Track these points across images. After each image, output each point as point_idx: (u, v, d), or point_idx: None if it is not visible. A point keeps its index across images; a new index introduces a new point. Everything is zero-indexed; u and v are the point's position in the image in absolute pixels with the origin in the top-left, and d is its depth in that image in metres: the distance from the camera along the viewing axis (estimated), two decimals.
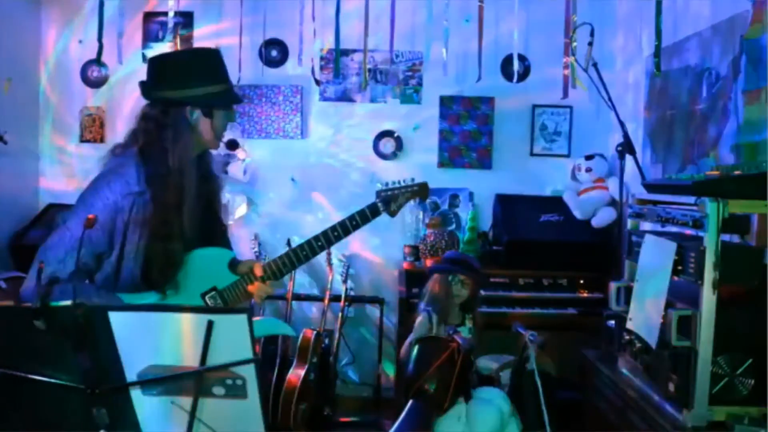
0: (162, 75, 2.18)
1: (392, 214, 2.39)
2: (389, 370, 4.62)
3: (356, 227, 2.29)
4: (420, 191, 2.41)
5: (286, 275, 2.29)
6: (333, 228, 2.27)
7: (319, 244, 2.26)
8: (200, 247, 2.20)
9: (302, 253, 2.25)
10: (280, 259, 2.25)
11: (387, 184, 2.39)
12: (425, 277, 3.62)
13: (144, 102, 2.27)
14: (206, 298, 2.19)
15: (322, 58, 4.79)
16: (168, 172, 2.10)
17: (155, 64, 2.22)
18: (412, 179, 2.42)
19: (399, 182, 2.39)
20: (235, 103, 2.27)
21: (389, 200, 2.36)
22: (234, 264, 2.27)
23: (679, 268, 2.41)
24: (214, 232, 2.30)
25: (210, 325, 1.51)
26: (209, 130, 2.19)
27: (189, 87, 2.13)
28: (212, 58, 2.21)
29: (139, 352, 1.55)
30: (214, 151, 2.39)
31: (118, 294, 2.10)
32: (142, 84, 2.23)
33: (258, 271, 2.22)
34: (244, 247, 4.54)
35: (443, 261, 3.58)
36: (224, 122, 2.23)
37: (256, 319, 2.17)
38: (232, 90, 2.25)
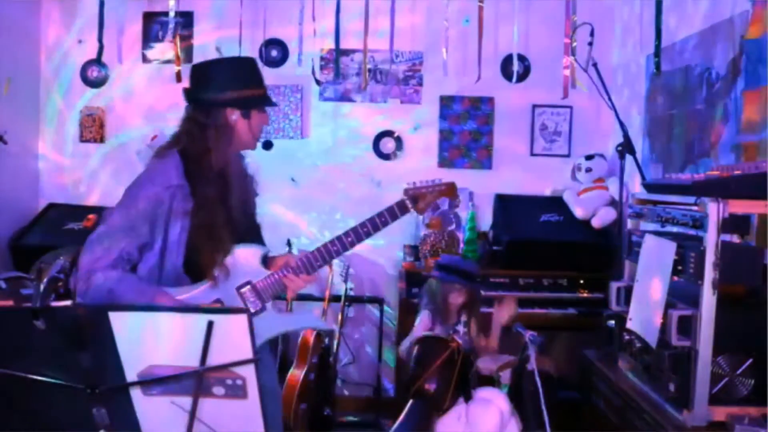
0: (204, 80, 2.32)
1: (420, 212, 2.45)
2: (390, 358, 4.63)
3: (385, 224, 2.35)
4: (447, 190, 2.46)
5: (318, 270, 2.34)
6: (363, 224, 2.33)
7: (350, 240, 2.32)
8: (235, 243, 2.27)
9: (333, 248, 2.32)
10: (312, 254, 2.32)
11: (414, 183, 2.43)
12: (425, 278, 3.62)
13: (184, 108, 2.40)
14: (241, 291, 2.26)
15: (322, 58, 4.79)
16: (210, 168, 2.24)
17: (197, 71, 2.37)
18: (440, 179, 2.47)
19: (427, 181, 2.45)
20: (269, 106, 2.40)
21: (417, 198, 2.40)
22: (267, 259, 2.35)
23: (679, 268, 2.41)
24: (249, 230, 2.38)
25: (210, 325, 1.51)
26: (247, 131, 2.32)
27: (230, 90, 2.28)
28: (250, 65, 2.39)
29: (139, 352, 1.55)
30: None
31: (163, 288, 2.19)
32: (185, 90, 2.36)
33: (292, 264, 2.30)
34: None
35: (437, 267, 3.54)
36: (261, 124, 2.37)
37: (287, 315, 2.28)
38: (267, 94, 2.40)
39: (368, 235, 2.33)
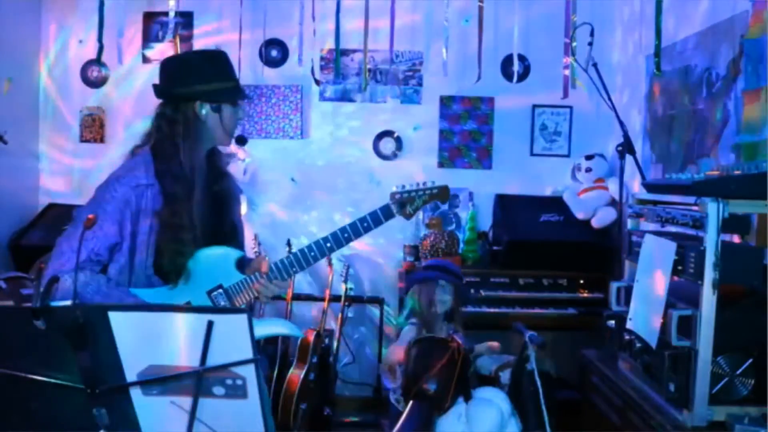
0: (172, 74, 2.26)
1: (407, 217, 2.35)
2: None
3: (367, 230, 2.27)
4: (440, 194, 2.38)
5: (293, 275, 2.29)
6: (343, 230, 2.26)
7: (328, 245, 2.25)
8: (208, 245, 2.22)
9: (310, 254, 2.25)
10: (287, 259, 2.26)
11: (403, 186, 2.35)
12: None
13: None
14: (212, 295, 2.21)
15: (322, 58, 4.79)
16: (179, 165, 2.17)
17: (165, 65, 2.30)
18: (433, 182, 2.39)
19: (417, 184, 2.36)
20: (241, 99, 2.32)
21: (404, 202, 2.32)
22: (242, 263, 2.29)
23: (679, 268, 2.41)
24: (223, 232, 2.31)
25: (210, 325, 1.51)
26: (218, 125, 2.25)
27: (198, 83, 2.21)
28: (219, 58, 2.31)
29: (139, 352, 1.55)
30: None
31: (132, 290, 2.14)
32: (155, 86, 2.29)
33: (264, 269, 2.23)
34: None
35: (421, 269, 3.50)
36: (233, 118, 2.29)
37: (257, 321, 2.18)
38: (239, 87, 2.31)
39: (348, 240, 2.25)
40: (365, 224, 2.26)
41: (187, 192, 2.17)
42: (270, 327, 2.36)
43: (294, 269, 2.25)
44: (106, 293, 2.09)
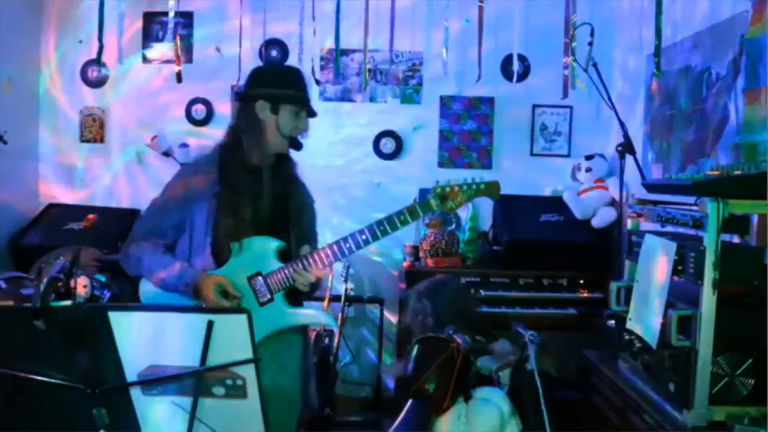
0: (248, 79, 2.45)
1: (450, 211, 2.42)
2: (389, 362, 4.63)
3: (404, 223, 2.30)
4: (488, 190, 2.41)
5: (330, 265, 2.36)
6: (379, 222, 2.30)
7: (364, 238, 2.30)
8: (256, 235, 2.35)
9: (345, 246, 2.32)
10: (323, 250, 2.33)
11: (448, 181, 2.38)
12: (425, 278, 3.60)
13: None
14: (251, 281, 2.31)
15: (322, 58, 4.79)
16: (242, 161, 2.35)
17: (249, 73, 2.49)
18: (482, 177, 2.42)
19: (464, 179, 2.40)
20: (301, 107, 2.39)
21: (446, 196, 2.35)
22: (284, 253, 2.37)
23: (679, 268, 2.41)
24: (278, 232, 2.38)
25: (210, 325, 1.51)
26: (274, 127, 2.36)
27: (262, 86, 2.39)
28: (291, 70, 2.52)
29: (139, 352, 1.55)
30: None
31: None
32: (235, 91, 2.58)
33: (305, 257, 2.31)
34: None
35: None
36: (290, 124, 2.38)
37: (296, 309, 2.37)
38: (304, 97, 2.42)
39: (384, 233, 2.29)
40: (402, 217, 2.29)
41: (247, 183, 2.33)
42: (312, 316, 2.45)
43: (330, 259, 2.32)
44: (161, 260, 2.30)
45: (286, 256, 2.36)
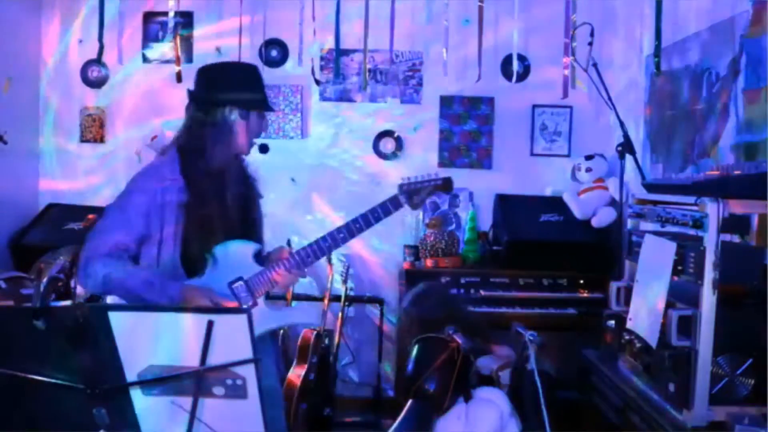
0: (208, 81, 2.40)
1: (414, 207, 2.46)
2: (389, 370, 4.62)
3: (378, 220, 2.37)
4: (443, 185, 2.47)
5: (309, 265, 2.37)
6: (355, 220, 2.36)
7: (342, 235, 2.35)
8: (228, 240, 2.32)
9: (325, 245, 2.35)
10: (304, 249, 2.35)
11: (409, 178, 2.45)
12: (425, 278, 3.60)
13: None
14: (233, 287, 2.28)
15: (322, 58, 4.79)
16: (205, 165, 2.30)
17: (202, 72, 2.43)
18: (436, 174, 2.48)
19: (422, 176, 2.46)
20: (268, 110, 2.46)
21: (412, 193, 2.41)
22: (260, 255, 2.39)
23: (679, 268, 2.41)
24: (247, 229, 2.41)
25: (210, 325, 1.51)
26: (244, 132, 2.36)
27: (231, 91, 2.35)
28: (252, 70, 2.47)
29: (139, 352, 1.55)
30: None
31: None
32: (190, 90, 2.43)
33: (284, 259, 2.33)
34: None
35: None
36: (258, 128, 2.41)
37: (281, 311, 2.36)
38: (267, 99, 2.46)
39: (360, 231, 2.36)
40: (376, 215, 2.36)
41: (214, 190, 2.30)
42: (295, 317, 2.57)
43: (310, 259, 2.35)
44: (131, 272, 2.20)
45: (260, 257, 2.38)
